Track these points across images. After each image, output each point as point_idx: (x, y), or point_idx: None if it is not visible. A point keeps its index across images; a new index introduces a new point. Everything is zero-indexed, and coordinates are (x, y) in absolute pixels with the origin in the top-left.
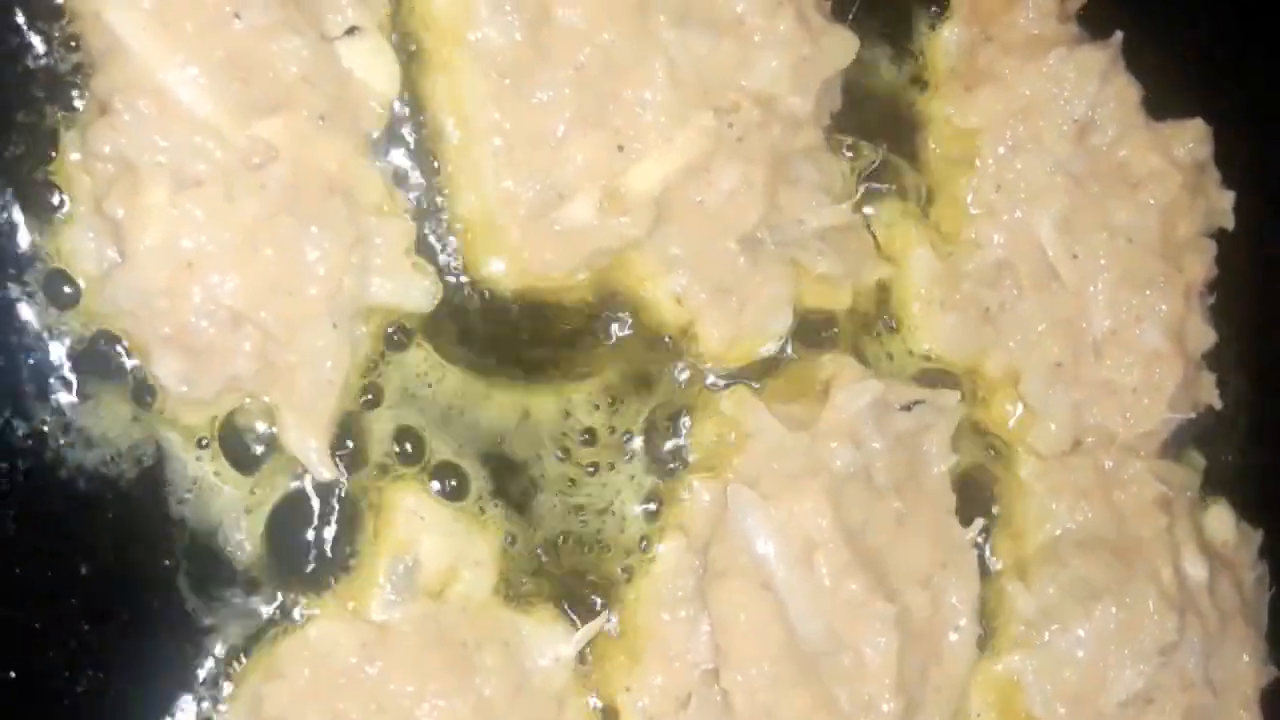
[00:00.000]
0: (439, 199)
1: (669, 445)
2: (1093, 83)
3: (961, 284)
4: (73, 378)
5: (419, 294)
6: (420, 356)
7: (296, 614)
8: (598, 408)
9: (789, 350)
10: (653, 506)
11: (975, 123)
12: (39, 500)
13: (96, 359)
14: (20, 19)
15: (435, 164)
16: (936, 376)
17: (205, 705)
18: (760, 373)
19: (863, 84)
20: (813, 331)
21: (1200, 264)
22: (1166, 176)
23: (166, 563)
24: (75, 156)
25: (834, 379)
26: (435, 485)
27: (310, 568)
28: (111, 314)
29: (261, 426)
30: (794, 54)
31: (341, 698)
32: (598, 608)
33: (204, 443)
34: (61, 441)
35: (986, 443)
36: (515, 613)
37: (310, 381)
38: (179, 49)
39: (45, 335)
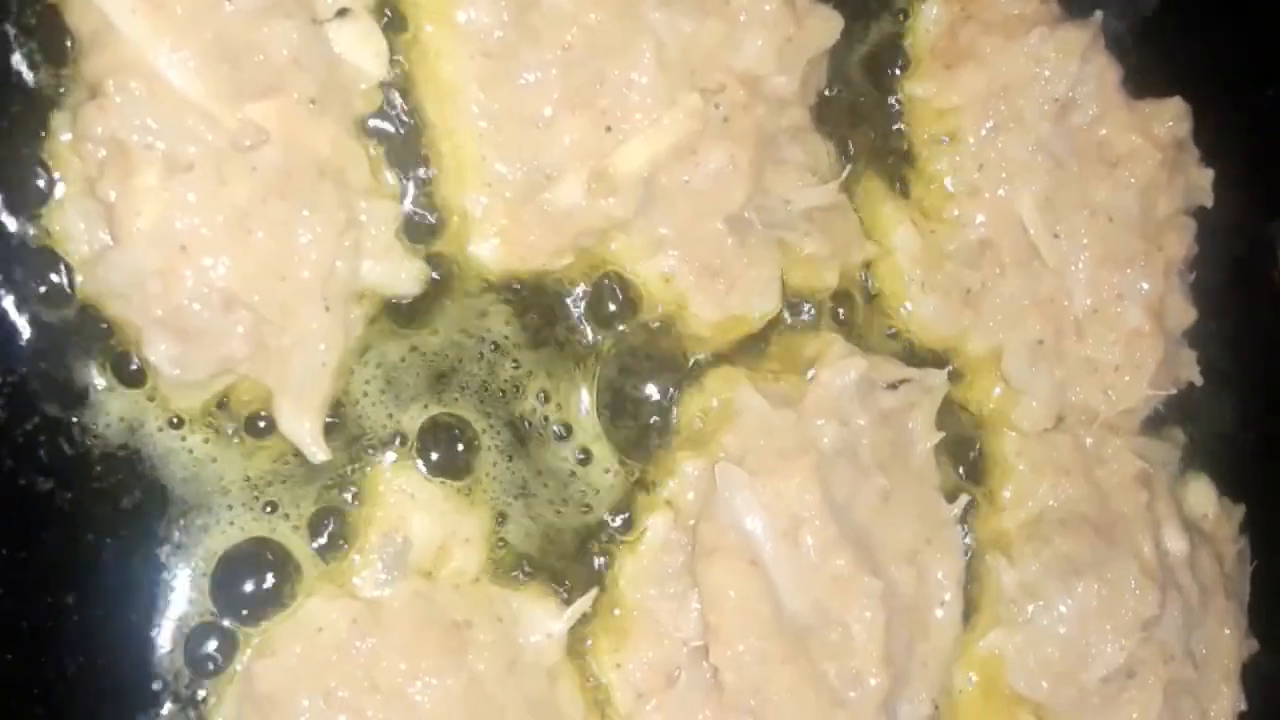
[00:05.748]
0: (427, 181)
1: (657, 423)
2: (1073, 62)
3: (944, 263)
4: (65, 361)
5: (408, 277)
6: (410, 337)
7: (288, 592)
8: (585, 388)
9: (776, 329)
10: (641, 484)
11: (956, 101)
12: (36, 481)
13: (88, 342)
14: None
15: (423, 147)
16: (921, 355)
17: (196, 684)
18: (747, 351)
19: (846, 62)
20: (800, 310)
21: (1180, 242)
22: (1146, 155)
23: (159, 542)
24: (66, 138)
25: (820, 357)
26: (426, 464)
27: (303, 546)
28: (103, 296)
29: (254, 409)
30: (779, 34)
31: (333, 675)
32: (588, 585)
33: (197, 425)
34: (55, 425)
35: (970, 420)
36: (506, 590)
37: (303, 364)
38: (169, 32)
39: (36, 318)
